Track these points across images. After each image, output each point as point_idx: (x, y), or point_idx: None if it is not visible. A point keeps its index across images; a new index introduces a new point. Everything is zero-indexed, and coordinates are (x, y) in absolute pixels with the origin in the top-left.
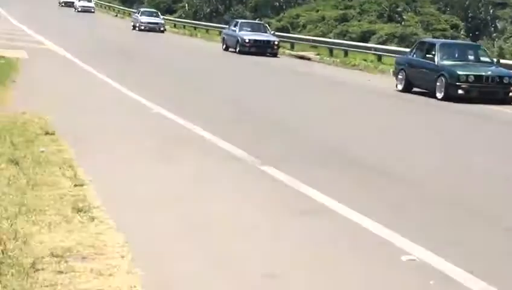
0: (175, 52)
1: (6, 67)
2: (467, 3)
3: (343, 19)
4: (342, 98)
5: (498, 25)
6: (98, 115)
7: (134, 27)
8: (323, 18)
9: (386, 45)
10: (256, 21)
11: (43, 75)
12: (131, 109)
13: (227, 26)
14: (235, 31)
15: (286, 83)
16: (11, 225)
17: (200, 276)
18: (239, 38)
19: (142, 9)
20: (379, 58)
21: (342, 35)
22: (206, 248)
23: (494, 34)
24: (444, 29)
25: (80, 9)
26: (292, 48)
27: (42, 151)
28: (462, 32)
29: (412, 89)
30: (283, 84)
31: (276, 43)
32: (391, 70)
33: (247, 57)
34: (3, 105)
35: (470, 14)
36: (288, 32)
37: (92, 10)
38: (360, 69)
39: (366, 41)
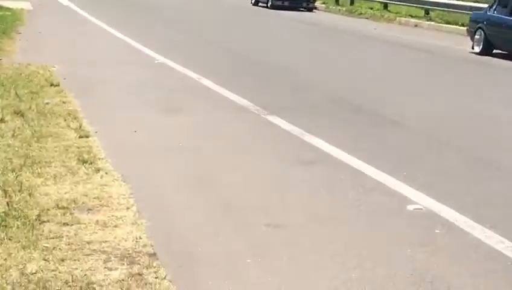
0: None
1: (11, 18)
2: None
3: None
4: (343, 45)
5: None
6: (102, 66)
7: None
8: None
9: None
10: None
11: (48, 26)
12: (136, 60)
13: None
14: None
15: (293, 32)
16: (16, 177)
17: (205, 226)
18: None
19: None
20: (385, 6)
21: None
22: (211, 198)
23: None
24: None
25: None
26: None
27: (47, 103)
28: None
29: (493, 51)
30: (289, 34)
31: None
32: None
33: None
34: (8, 57)
35: None
36: None
37: None
38: (366, 18)
39: None
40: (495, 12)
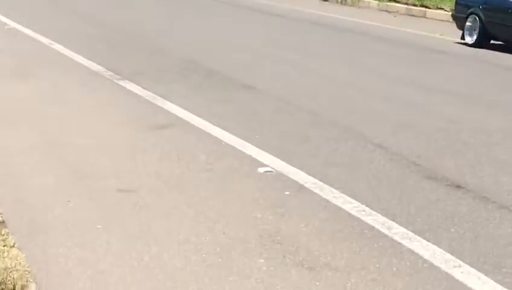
0: None
1: None
2: None
3: None
4: (200, 9)
5: None
6: None
7: None
8: None
9: None
10: None
11: None
12: None
13: None
14: None
15: None
16: None
17: (55, 192)
18: None
19: None
20: None
21: None
22: (62, 164)
23: None
24: None
25: None
26: None
27: None
28: None
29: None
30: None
31: None
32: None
33: None
34: None
35: None
36: None
37: None
38: None
39: None
40: None
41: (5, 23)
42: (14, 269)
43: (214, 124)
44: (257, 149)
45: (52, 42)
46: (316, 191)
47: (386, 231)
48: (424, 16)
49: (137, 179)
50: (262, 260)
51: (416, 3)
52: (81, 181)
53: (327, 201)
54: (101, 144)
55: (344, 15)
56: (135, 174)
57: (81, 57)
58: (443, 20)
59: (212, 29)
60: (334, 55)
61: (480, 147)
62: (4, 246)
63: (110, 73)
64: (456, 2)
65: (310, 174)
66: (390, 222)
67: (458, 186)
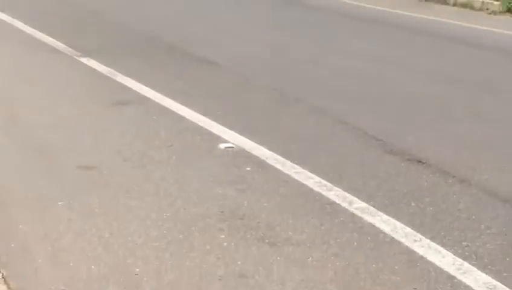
0: None
1: None
2: None
3: None
4: None
5: None
6: None
7: None
8: None
9: None
10: None
11: None
12: None
13: None
14: None
15: None
16: None
17: (16, 169)
18: None
19: None
20: None
21: None
22: (22, 141)
23: None
24: None
25: None
26: None
27: None
28: None
29: None
30: None
31: None
32: None
33: None
34: None
35: None
36: None
37: None
38: None
39: None
40: None
41: None
42: None
43: (175, 100)
44: (218, 125)
45: (12, 19)
46: (278, 166)
47: (347, 206)
48: None
49: (98, 155)
50: (223, 236)
51: None
52: (41, 158)
53: (288, 176)
54: (61, 121)
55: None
56: (96, 151)
57: (40, 33)
58: None
59: (170, 5)
60: (302, 33)
61: (441, 122)
62: None
63: (71, 50)
64: None
65: (271, 150)
66: (352, 197)
67: (419, 161)
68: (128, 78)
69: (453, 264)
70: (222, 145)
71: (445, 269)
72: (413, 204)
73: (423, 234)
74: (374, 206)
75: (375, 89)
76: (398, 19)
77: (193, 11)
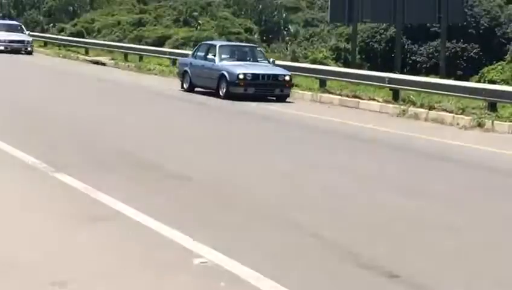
0: None
1: None
2: (260, 7)
3: (139, 24)
4: (129, 99)
5: (291, 28)
6: None
7: None
8: (118, 23)
9: (183, 49)
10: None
11: None
12: None
13: None
14: None
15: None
16: None
17: None
18: None
19: None
20: (174, 62)
21: (138, 40)
22: None
23: (288, 38)
24: (239, 33)
25: None
26: (87, 53)
27: None
28: (256, 36)
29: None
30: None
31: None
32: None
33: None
34: None
35: (264, 18)
36: (83, 37)
37: None
38: (155, 74)
39: (162, 46)
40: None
41: None
42: None
43: (148, 216)
44: (192, 240)
45: None
46: (252, 281)
47: None
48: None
49: (71, 272)
50: None
51: (349, 94)
52: (13, 274)
53: None
54: (36, 236)
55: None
56: (69, 267)
57: (13, 149)
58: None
59: (142, 120)
60: (269, 147)
61: (413, 235)
62: None
63: (45, 165)
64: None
65: (245, 265)
66: None
67: (392, 276)
68: (103, 194)
69: None
70: (196, 261)
71: None
72: None
73: None
74: None
75: (349, 203)
76: (373, 134)
77: (160, 123)
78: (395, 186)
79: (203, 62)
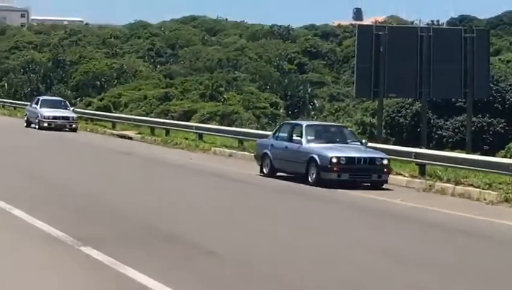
0: None
1: None
2: (285, 81)
3: (165, 98)
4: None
5: (316, 103)
6: None
7: None
8: (145, 97)
9: (208, 123)
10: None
11: None
12: None
13: None
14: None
15: (104, 162)
16: None
17: None
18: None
19: None
20: (200, 136)
21: (164, 114)
22: None
23: (313, 112)
24: (265, 107)
25: None
26: (114, 127)
27: None
28: (281, 110)
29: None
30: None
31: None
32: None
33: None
34: None
35: (289, 92)
36: (110, 112)
37: None
38: (182, 148)
39: (188, 120)
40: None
41: None
42: None
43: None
44: None
45: (12, 207)
46: None
47: None
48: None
49: None
50: None
51: None
52: None
53: None
54: None
55: None
56: None
57: (40, 222)
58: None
59: (167, 193)
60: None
61: None
62: None
63: (71, 239)
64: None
65: None
66: None
67: None
68: (130, 268)
69: None
70: None
71: None
72: None
73: None
74: None
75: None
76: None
77: (187, 198)
78: (414, 260)
79: (286, 143)
